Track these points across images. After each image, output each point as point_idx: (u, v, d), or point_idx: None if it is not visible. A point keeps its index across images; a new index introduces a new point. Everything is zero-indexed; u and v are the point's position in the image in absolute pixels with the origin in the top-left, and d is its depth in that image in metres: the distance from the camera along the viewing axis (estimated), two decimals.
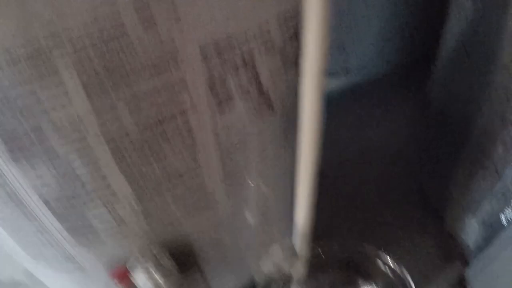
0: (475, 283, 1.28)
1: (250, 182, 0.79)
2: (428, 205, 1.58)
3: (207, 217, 0.78)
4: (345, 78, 2.12)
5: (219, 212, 0.80)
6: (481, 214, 1.31)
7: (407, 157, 1.79)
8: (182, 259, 0.74)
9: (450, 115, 1.42)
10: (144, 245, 0.69)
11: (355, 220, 1.30)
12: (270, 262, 0.94)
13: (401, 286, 1.22)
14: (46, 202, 0.63)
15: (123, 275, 0.68)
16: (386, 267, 1.25)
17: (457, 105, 1.37)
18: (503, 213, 1.13)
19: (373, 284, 1.30)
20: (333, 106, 1.87)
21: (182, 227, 0.74)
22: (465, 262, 1.39)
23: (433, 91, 1.55)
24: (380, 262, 1.26)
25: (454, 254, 1.44)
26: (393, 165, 1.78)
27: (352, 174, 1.76)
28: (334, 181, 1.70)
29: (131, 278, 0.67)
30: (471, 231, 1.39)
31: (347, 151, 1.87)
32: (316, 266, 1.31)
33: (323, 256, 1.30)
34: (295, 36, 0.68)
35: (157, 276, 0.67)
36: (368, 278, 1.30)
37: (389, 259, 1.24)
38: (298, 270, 1.00)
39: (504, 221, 1.13)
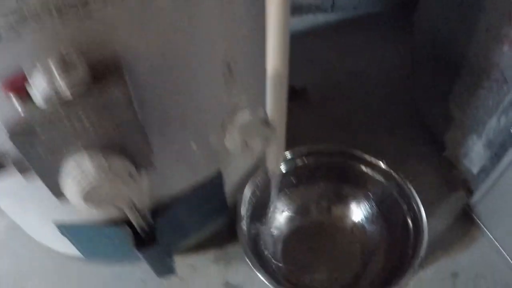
0: (481, 210, 1.20)
1: None
2: (426, 130, 1.49)
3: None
4: (333, 14, 2.13)
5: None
6: (487, 134, 1.18)
7: (400, 82, 1.71)
8: (101, 71, 0.57)
9: (443, 34, 1.32)
10: (52, 44, 0.51)
11: (346, 144, 1.18)
12: (236, 134, 0.77)
13: (397, 192, 1.11)
14: None
15: (18, 84, 0.51)
16: (380, 173, 1.15)
17: (449, 23, 1.27)
18: None
19: (368, 194, 1.20)
20: (321, 38, 1.94)
21: (107, 30, 0.57)
22: (468, 190, 1.29)
23: (421, 18, 1.47)
24: (371, 170, 1.17)
25: (457, 182, 1.34)
26: (386, 89, 1.71)
27: (343, 97, 1.69)
28: (324, 103, 1.65)
29: (28, 89, 0.51)
30: (475, 155, 1.28)
31: (337, 75, 1.81)
32: (303, 177, 1.22)
33: (311, 167, 1.20)
34: None
35: (63, 84, 0.51)
36: (361, 188, 1.20)
37: (382, 164, 1.13)
38: (273, 151, 0.83)
39: None
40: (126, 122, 0.57)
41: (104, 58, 0.56)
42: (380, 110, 1.61)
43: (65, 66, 0.49)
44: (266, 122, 0.76)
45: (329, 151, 1.17)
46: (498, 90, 1.10)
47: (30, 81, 0.50)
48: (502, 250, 1.14)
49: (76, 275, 1.14)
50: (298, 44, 1.98)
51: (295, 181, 1.21)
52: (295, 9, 1.98)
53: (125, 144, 0.60)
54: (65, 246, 1.00)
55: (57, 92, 0.50)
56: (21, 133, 0.52)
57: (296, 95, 1.58)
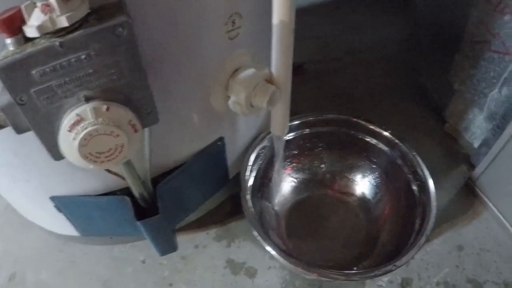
0: (484, 183, 1.19)
1: None
2: (429, 104, 1.48)
3: None
4: None
5: None
6: (489, 106, 1.19)
7: (402, 56, 1.72)
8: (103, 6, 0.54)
9: (444, 6, 1.31)
10: None
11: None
12: (240, 92, 0.74)
13: (402, 160, 1.10)
14: None
15: (14, 22, 0.49)
16: (384, 143, 1.13)
17: None
18: None
19: (373, 164, 1.18)
20: (321, 15, 1.95)
21: None
22: (470, 164, 1.28)
23: None
24: (375, 139, 1.15)
25: (459, 156, 1.34)
26: (387, 64, 1.71)
27: (344, 72, 1.68)
28: (324, 78, 1.65)
29: (24, 27, 0.48)
30: (476, 128, 1.28)
31: (338, 51, 1.80)
32: (307, 147, 1.21)
33: (315, 136, 1.19)
34: None
35: (61, 13, 0.48)
36: (365, 158, 1.19)
37: (386, 133, 1.12)
38: (278, 112, 0.80)
39: None
40: (128, 65, 0.54)
41: None
42: (382, 85, 1.60)
43: None
44: (271, 79, 0.74)
45: (334, 120, 1.15)
46: (499, 61, 1.10)
47: (25, 16, 0.47)
48: (506, 223, 1.12)
49: (73, 256, 1.11)
50: (298, 21, 1.98)
51: (298, 151, 1.18)
52: None
53: (128, 93, 0.57)
54: (61, 226, 0.97)
55: (53, 22, 0.47)
56: (14, 69, 0.48)
57: (296, 71, 1.57)
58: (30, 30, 0.47)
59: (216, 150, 0.94)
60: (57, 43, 0.49)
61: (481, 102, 1.21)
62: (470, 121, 1.28)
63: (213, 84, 0.78)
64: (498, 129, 1.09)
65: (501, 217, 1.13)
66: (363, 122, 1.13)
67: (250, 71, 0.75)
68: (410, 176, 1.05)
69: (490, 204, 1.17)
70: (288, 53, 0.70)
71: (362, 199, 1.18)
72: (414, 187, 1.03)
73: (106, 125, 0.54)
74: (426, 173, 1.00)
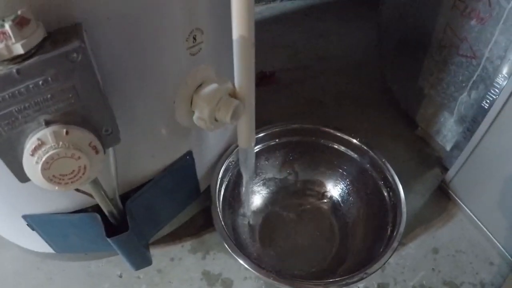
0: (457, 186, 1.21)
1: None
2: (399, 109, 1.50)
3: None
4: (299, 0, 2.20)
5: None
6: (459, 110, 1.21)
7: (370, 63, 1.75)
8: (58, 31, 0.55)
9: (410, 12, 1.33)
10: (5, 2, 0.50)
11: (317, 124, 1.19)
12: (204, 106, 0.75)
13: (371, 166, 1.11)
14: None
15: None
16: (353, 150, 1.15)
17: (416, 2, 1.28)
18: (485, 99, 1.02)
19: (343, 172, 1.20)
20: (289, 24, 1.97)
21: None
22: (443, 167, 1.31)
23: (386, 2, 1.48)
24: (344, 147, 1.16)
25: (431, 159, 1.36)
26: (356, 71, 1.75)
27: (313, 80, 1.71)
28: (294, 86, 1.67)
29: None
30: (447, 132, 1.30)
31: (306, 59, 1.83)
32: (276, 158, 1.22)
33: (284, 147, 1.20)
34: None
35: (15, 38, 0.48)
36: (335, 166, 1.20)
37: (354, 140, 1.13)
38: (243, 125, 0.81)
39: (486, 106, 1.03)
40: (84, 88, 0.54)
41: (61, 19, 0.55)
42: (351, 91, 1.62)
43: (19, 22, 0.47)
44: (233, 92, 0.75)
45: (301, 130, 1.16)
46: (467, 65, 1.12)
47: None
48: (480, 224, 1.14)
49: (50, 273, 1.11)
50: (267, 30, 2.00)
51: (268, 161, 1.19)
52: None
53: (87, 116, 0.57)
54: (37, 244, 0.97)
55: (8, 49, 0.47)
56: None
57: (266, 80, 1.58)
58: None
59: (185, 164, 0.94)
60: (14, 70, 0.49)
61: (451, 105, 1.22)
62: (441, 124, 1.29)
63: (177, 100, 0.78)
64: (468, 132, 1.11)
65: (475, 218, 1.15)
66: (331, 131, 1.14)
67: (213, 86, 0.76)
68: (381, 182, 1.06)
69: (464, 206, 1.19)
70: (249, 67, 0.71)
71: (334, 206, 1.19)
72: (385, 193, 1.04)
73: (67, 148, 0.55)
74: (396, 178, 1.02)
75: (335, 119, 1.49)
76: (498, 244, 1.10)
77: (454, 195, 1.21)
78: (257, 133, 1.02)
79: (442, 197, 1.24)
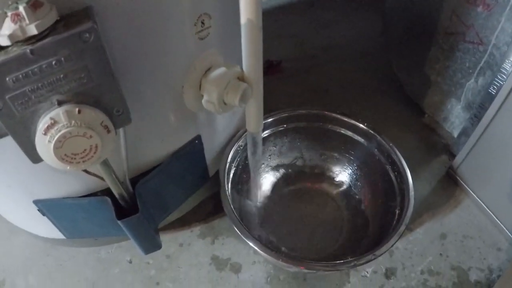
0: (464, 172, 1.21)
1: None
2: (406, 96, 1.49)
3: None
4: None
5: None
6: (466, 96, 1.21)
7: (377, 51, 1.75)
8: (70, 14, 0.56)
9: (413, 4, 1.32)
10: None
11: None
12: (212, 90, 0.76)
13: (378, 151, 1.12)
14: None
15: None
16: (360, 135, 1.15)
17: None
18: (492, 85, 1.02)
19: (350, 156, 1.20)
20: (296, 13, 1.98)
21: None
22: (451, 153, 1.31)
23: None
24: (351, 132, 1.17)
25: (439, 146, 1.36)
26: (363, 59, 1.74)
27: (320, 69, 1.71)
28: (300, 75, 1.67)
29: None
30: (454, 118, 1.30)
31: (313, 49, 1.83)
32: (284, 142, 1.22)
33: (292, 132, 1.20)
34: None
35: (30, 22, 0.50)
36: (342, 151, 1.21)
37: (361, 124, 1.13)
38: (251, 109, 0.82)
39: (493, 92, 1.02)
40: (96, 69, 0.55)
41: (73, 2, 0.56)
42: (358, 79, 1.62)
43: (33, 5, 0.48)
44: (242, 76, 0.75)
45: (309, 116, 1.16)
46: (474, 51, 1.11)
47: None
48: (488, 210, 1.14)
49: (60, 259, 1.12)
50: (274, 19, 2.01)
51: (276, 147, 1.20)
52: None
53: (98, 96, 0.58)
54: (47, 229, 0.98)
55: (23, 30, 0.49)
56: None
57: (272, 69, 1.59)
58: (2, 39, 0.49)
59: (193, 148, 0.95)
60: (28, 51, 0.50)
61: (458, 92, 1.23)
62: (448, 111, 1.30)
63: (186, 84, 0.79)
64: (475, 118, 1.11)
65: (483, 204, 1.16)
66: (338, 116, 1.15)
67: (221, 70, 0.76)
68: (388, 166, 1.06)
69: (471, 192, 1.19)
70: (257, 51, 0.71)
71: (342, 191, 1.20)
72: (393, 177, 1.05)
73: (79, 127, 0.56)
74: (403, 162, 1.02)
75: (342, 107, 1.48)
76: (505, 229, 1.10)
77: (461, 181, 1.21)
78: (265, 118, 1.02)
79: (450, 184, 1.24)
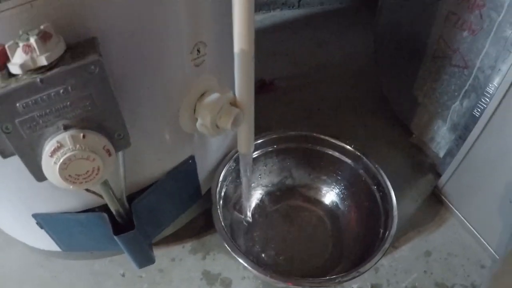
0: (449, 191, 1.24)
1: None
2: (394, 116, 1.53)
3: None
4: (300, 9, 2.23)
5: None
6: (452, 118, 1.24)
7: (367, 72, 1.78)
8: (76, 45, 0.60)
9: (404, 23, 1.36)
10: (30, 18, 0.55)
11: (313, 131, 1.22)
12: (206, 114, 0.80)
13: (364, 172, 1.15)
14: None
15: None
16: (347, 156, 1.19)
17: (411, 12, 1.32)
18: (476, 108, 1.05)
19: (338, 177, 1.23)
20: (288, 33, 2.00)
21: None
22: (437, 173, 1.34)
23: (382, 7, 1.51)
24: (338, 153, 1.20)
25: (425, 166, 1.39)
26: (353, 79, 1.77)
27: (311, 88, 1.73)
28: (293, 94, 1.69)
29: (8, 64, 0.54)
30: (441, 139, 1.33)
31: (305, 68, 1.86)
32: (274, 163, 1.25)
33: (281, 153, 1.24)
34: None
35: (40, 53, 0.53)
36: (330, 171, 1.24)
37: (348, 146, 1.17)
38: (243, 132, 0.86)
39: (477, 115, 1.06)
40: (100, 97, 0.59)
41: (78, 33, 0.60)
42: (349, 98, 1.65)
43: (43, 37, 0.52)
44: (234, 101, 0.79)
45: (298, 137, 1.20)
46: (459, 74, 1.15)
47: (9, 54, 0.52)
48: (472, 228, 1.17)
49: (54, 271, 1.14)
50: (267, 39, 2.04)
51: (266, 166, 1.23)
52: (263, 5, 2.06)
53: (101, 121, 0.62)
54: (43, 241, 1.00)
55: (33, 61, 0.52)
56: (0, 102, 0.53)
57: (265, 88, 1.61)
58: (14, 68, 0.53)
59: (187, 168, 0.99)
60: (38, 80, 0.54)
61: (444, 114, 1.26)
62: (435, 132, 1.33)
63: (182, 108, 0.83)
64: (460, 140, 1.14)
65: (467, 223, 1.18)
66: (327, 138, 1.18)
67: (215, 95, 0.80)
68: (374, 187, 1.10)
69: (456, 211, 1.22)
70: (249, 78, 0.75)
71: (330, 209, 1.23)
72: (378, 197, 1.08)
73: (83, 150, 0.60)
74: (388, 183, 1.06)
75: (332, 126, 1.52)
76: (489, 247, 1.13)
77: (446, 200, 1.24)
78: (256, 139, 1.05)
79: (435, 202, 1.27)
